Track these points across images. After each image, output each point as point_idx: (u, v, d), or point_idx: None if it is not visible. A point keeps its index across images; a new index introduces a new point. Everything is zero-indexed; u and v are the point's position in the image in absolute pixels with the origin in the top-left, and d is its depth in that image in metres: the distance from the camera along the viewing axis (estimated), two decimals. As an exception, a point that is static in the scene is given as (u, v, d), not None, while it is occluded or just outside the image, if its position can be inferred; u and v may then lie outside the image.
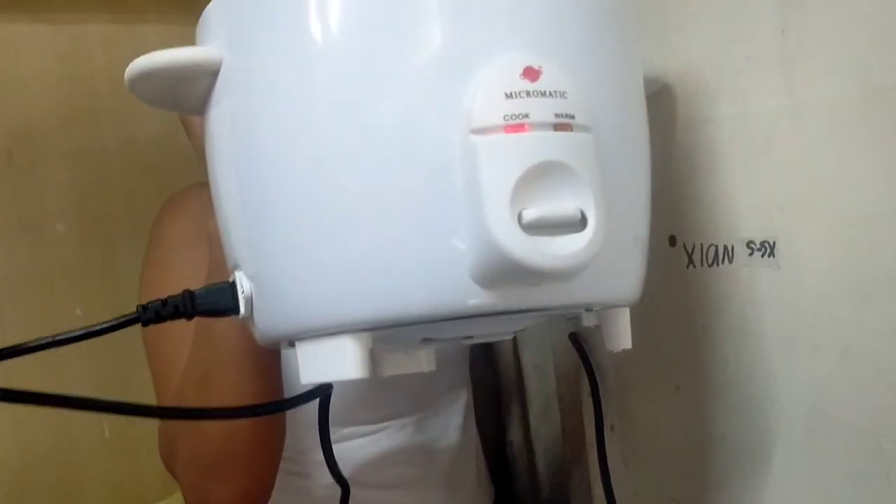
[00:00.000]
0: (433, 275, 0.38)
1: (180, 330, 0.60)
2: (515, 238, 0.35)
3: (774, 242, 0.49)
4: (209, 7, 0.43)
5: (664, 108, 0.54)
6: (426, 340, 0.46)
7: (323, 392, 0.42)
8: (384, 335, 0.40)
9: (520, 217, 0.36)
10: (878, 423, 0.45)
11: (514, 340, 0.89)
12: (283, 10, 0.39)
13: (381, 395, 0.72)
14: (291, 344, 0.41)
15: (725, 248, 0.52)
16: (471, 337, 0.48)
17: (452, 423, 0.78)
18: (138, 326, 0.40)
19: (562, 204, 0.37)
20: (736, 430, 0.52)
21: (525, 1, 0.39)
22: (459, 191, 0.37)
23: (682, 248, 0.55)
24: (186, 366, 0.59)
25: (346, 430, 0.71)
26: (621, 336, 0.44)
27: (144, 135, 1.15)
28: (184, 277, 0.53)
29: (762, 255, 0.49)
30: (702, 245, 0.53)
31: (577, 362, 0.66)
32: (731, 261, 0.51)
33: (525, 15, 0.39)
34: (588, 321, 0.46)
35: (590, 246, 0.37)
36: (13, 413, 1.09)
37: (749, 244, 0.50)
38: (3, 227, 1.09)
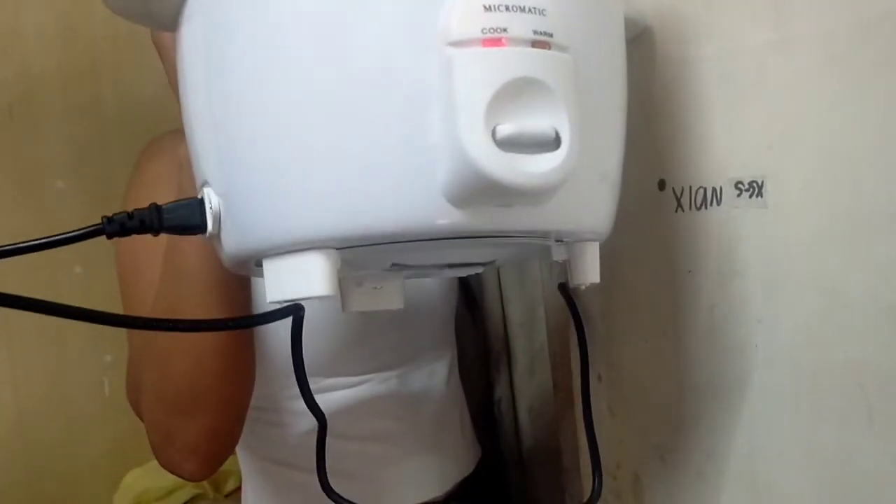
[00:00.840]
0: (405, 192, 0.37)
1: (153, 266, 0.60)
2: (489, 153, 0.35)
3: (763, 182, 0.48)
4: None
5: (654, 48, 0.53)
6: (396, 266, 0.45)
7: (295, 312, 0.42)
8: (353, 256, 0.40)
9: (494, 132, 0.35)
10: (860, 363, 0.44)
11: (501, 299, 0.88)
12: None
13: (364, 347, 0.72)
14: (259, 264, 0.41)
15: (714, 189, 0.51)
16: (443, 269, 0.47)
17: (436, 378, 0.78)
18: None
19: (537, 122, 0.36)
20: (720, 374, 0.51)
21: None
22: (434, 105, 0.36)
23: (670, 192, 0.53)
24: (154, 299, 0.59)
25: (329, 381, 0.70)
26: (588, 270, 0.44)
27: (144, 91, 1.15)
28: None
29: (750, 196, 0.48)
30: (690, 188, 0.52)
31: (568, 316, 0.65)
32: (719, 203, 0.50)
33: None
34: (557, 255, 0.45)
35: (563, 166, 0.36)
36: (13, 371, 1.09)
37: (737, 185, 0.49)
38: (2, 184, 1.09)
